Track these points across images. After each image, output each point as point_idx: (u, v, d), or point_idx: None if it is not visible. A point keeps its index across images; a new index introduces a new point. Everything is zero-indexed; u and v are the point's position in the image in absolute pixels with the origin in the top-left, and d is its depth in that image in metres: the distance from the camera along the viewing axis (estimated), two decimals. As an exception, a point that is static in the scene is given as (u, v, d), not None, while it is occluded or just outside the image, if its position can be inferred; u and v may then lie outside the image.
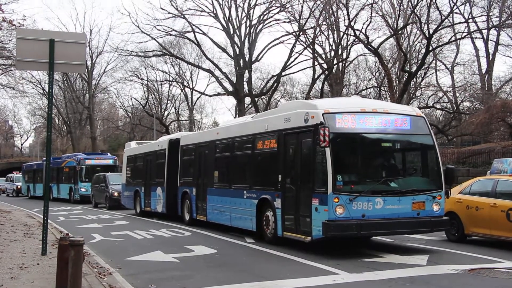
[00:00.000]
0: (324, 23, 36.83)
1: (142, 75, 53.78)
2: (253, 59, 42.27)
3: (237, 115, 44.88)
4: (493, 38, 40.52)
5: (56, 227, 16.88)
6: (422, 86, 44.97)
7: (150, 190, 21.11)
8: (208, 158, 16.47)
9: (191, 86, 58.06)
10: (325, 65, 39.42)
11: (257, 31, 41.51)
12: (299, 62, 40.70)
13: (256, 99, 43.93)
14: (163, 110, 64.32)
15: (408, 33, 42.59)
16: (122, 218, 20.91)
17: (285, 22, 39.08)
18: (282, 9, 37.90)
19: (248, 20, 41.14)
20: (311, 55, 38.22)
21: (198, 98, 62.97)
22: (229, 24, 41.11)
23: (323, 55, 42.14)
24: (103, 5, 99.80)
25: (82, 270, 6.93)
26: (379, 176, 11.20)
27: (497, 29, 36.67)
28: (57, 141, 77.16)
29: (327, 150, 10.29)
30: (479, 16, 35.45)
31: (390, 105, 13.69)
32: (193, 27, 41.56)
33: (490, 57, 42.01)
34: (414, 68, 36.76)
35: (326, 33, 40.59)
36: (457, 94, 43.49)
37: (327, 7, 34.13)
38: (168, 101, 64.26)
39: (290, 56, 38.83)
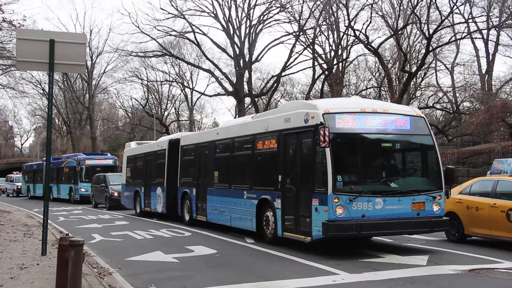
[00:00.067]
0: (324, 23, 36.86)
1: (142, 76, 53.87)
2: (253, 59, 42.28)
3: (237, 115, 44.88)
4: (493, 38, 40.59)
5: (56, 227, 16.88)
6: (422, 86, 45.00)
7: (150, 190, 21.11)
8: (208, 158, 16.47)
9: (191, 86, 58.12)
10: (325, 65, 39.42)
11: (257, 31, 41.53)
12: (299, 62, 40.77)
13: (256, 99, 43.94)
14: (163, 110, 64.35)
15: (408, 33, 42.61)
16: (122, 218, 20.92)
17: (285, 22, 39.16)
18: (282, 9, 37.93)
19: (248, 20, 41.17)
20: (311, 55, 38.23)
21: (198, 99, 63.10)
22: (229, 24, 41.11)
23: (323, 55, 42.15)
24: (103, 5, 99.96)
25: (82, 270, 6.93)
26: (379, 176, 11.20)
27: (497, 29, 36.67)
28: (57, 141, 77.18)
29: (327, 150, 10.29)
30: (479, 16, 35.51)
31: (390, 105, 13.70)
32: (193, 27, 41.61)
33: (490, 57, 42.03)
34: (414, 68, 36.76)
35: (326, 33, 40.64)
36: (457, 94, 43.51)
37: (327, 7, 34.13)
38: (168, 102, 64.34)
39: (290, 56, 38.87)
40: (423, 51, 35.03)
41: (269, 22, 40.84)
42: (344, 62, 41.79)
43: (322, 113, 10.75)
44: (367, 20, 31.83)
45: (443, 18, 30.40)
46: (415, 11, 30.72)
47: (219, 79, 44.48)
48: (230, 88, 43.23)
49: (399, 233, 11.94)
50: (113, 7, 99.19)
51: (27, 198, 42.05)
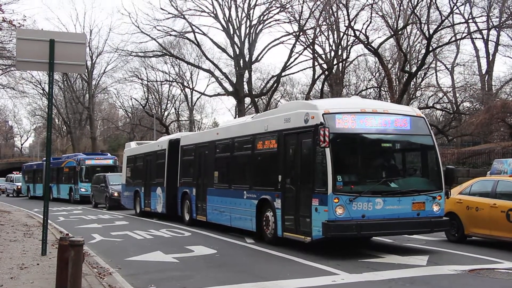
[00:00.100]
0: (324, 23, 36.85)
1: (142, 76, 53.87)
2: (253, 59, 42.27)
3: (237, 116, 44.88)
4: (493, 39, 40.60)
5: (56, 227, 16.88)
6: (422, 87, 45.02)
7: (150, 190, 21.11)
8: (208, 159, 16.47)
9: (191, 87, 58.12)
10: (325, 66, 39.42)
11: (257, 32, 41.53)
12: (299, 63, 40.77)
13: (256, 99, 43.94)
14: (163, 110, 64.35)
15: (408, 33, 42.62)
16: (122, 218, 20.92)
17: (285, 22, 39.14)
18: (282, 9, 37.92)
19: (248, 21, 41.16)
20: (311, 55, 38.23)
21: (198, 99, 63.10)
22: (229, 24, 41.11)
23: (323, 56, 42.14)
24: (103, 5, 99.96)
25: (82, 270, 6.93)
26: (379, 177, 11.20)
27: (497, 29, 36.68)
28: (57, 141, 77.18)
29: (327, 150, 10.29)
30: (479, 17, 35.50)
31: (390, 105, 13.70)
32: (193, 27, 41.60)
33: (490, 57, 42.04)
34: (414, 69, 36.76)
35: (326, 34, 40.62)
36: (457, 95, 43.52)
37: (327, 8, 34.13)
38: (168, 102, 64.34)
39: (290, 57, 38.87)
40: (423, 51, 35.05)
41: (269, 22, 40.89)
42: (344, 62, 41.79)
43: (322, 113, 10.75)
44: (367, 20, 31.89)
45: (443, 18, 30.41)
46: (415, 11, 30.73)
47: (219, 79, 44.50)
48: (230, 88, 43.24)
49: (399, 233, 11.94)
50: (113, 7, 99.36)
51: (27, 198, 42.05)
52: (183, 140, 19.04)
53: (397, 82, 41.21)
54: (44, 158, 29.60)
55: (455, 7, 31.63)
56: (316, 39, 38.49)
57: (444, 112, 45.77)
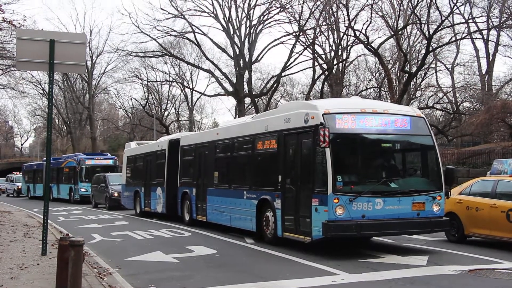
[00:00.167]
0: (324, 23, 36.83)
1: (142, 76, 53.86)
2: (253, 59, 42.27)
3: (237, 116, 44.87)
4: (493, 39, 40.60)
5: (56, 227, 16.88)
6: (422, 87, 45.02)
7: (150, 190, 21.11)
8: (208, 159, 16.47)
9: (191, 87, 58.13)
10: (325, 66, 39.41)
11: (257, 32, 41.53)
12: (299, 63, 40.76)
13: (256, 99, 43.93)
14: (163, 110, 64.36)
15: (408, 33, 42.62)
16: (122, 219, 20.92)
17: (285, 22, 39.12)
18: (282, 9, 37.91)
19: (248, 21, 41.15)
20: (311, 55, 38.22)
21: (198, 99, 63.10)
22: (229, 24, 41.11)
23: (323, 56, 42.13)
24: (103, 5, 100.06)
25: (82, 270, 6.93)
26: (379, 177, 11.20)
27: (497, 29, 36.68)
28: (57, 142, 77.17)
29: (327, 150, 10.29)
30: (479, 17, 35.49)
31: (390, 105, 13.70)
32: (193, 27, 41.60)
33: (490, 57, 42.04)
34: (414, 69, 36.76)
35: (326, 34, 40.60)
36: (457, 95, 43.52)
37: (327, 8, 34.13)
38: (168, 102, 64.34)
39: (290, 57, 38.86)
40: (423, 51, 35.05)
41: (269, 22, 40.88)
42: (344, 63, 41.78)
43: (322, 114, 10.75)
44: (367, 20, 31.87)
45: (443, 18, 30.41)
46: (415, 12, 30.73)
47: (219, 79, 44.50)
48: (230, 88, 43.24)
49: (399, 234, 11.94)
50: (113, 7, 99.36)
51: (27, 198, 42.06)
52: (183, 140, 19.04)
53: (397, 82, 41.21)
54: (44, 158, 29.61)
55: (455, 7, 31.65)
56: (316, 39, 38.51)
57: (444, 112, 45.79)
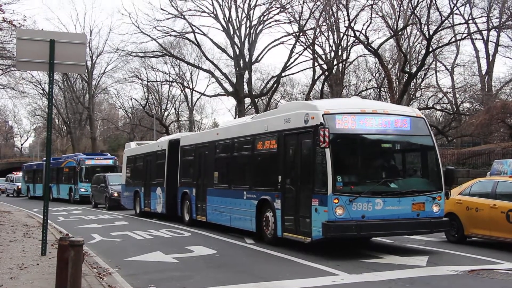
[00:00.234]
0: (324, 24, 36.83)
1: (142, 76, 53.86)
2: (253, 59, 42.27)
3: (237, 116, 44.88)
4: (493, 39, 40.62)
5: (56, 227, 16.88)
6: (422, 87, 45.03)
7: (150, 190, 21.11)
8: (208, 159, 16.47)
9: (191, 87, 58.12)
10: (325, 66, 39.41)
11: (257, 32, 41.52)
12: (299, 63, 40.79)
13: (256, 99, 43.92)
14: (163, 110, 64.36)
15: (408, 34, 42.61)
16: (122, 219, 20.92)
17: (285, 23, 39.10)
18: (282, 10, 37.89)
19: (248, 21, 41.14)
20: (311, 56, 38.22)
21: (198, 99, 63.11)
22: (229, 24, 41.10)
23: (323, 56, 42.14)
24: (103, 5, 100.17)
25: (82, 270, 6.93)
26: (379, 177, 11.19)
27: (497, 30, 36.70)
28: (57, 142, 77.16)
29: (327, 151, 10.29)
30: (479, 17, 35.51)
31: (390, 106, 13.71)
32: (193, 27, 41.59)
33: (490, 58, 42.07)
34: (414, 69, 36.76)
35: (326, 34, 40.61)
36: (457, 95, 43.52)
37: (327, 8, 34.13)
38: (168, 102, 64.35)
39: (290, 57, 38.86)
40: (423, 52, 35.06)
41: (269, 23, 40.86)
42: (344, 63, 41.79)
43: (322, 114, 10.75)
44: (367, 21, 31.88)
45: (443, 19, 30.41)
46: (415, 12, 30.73)
47: (219, 79, 44.50)
48: (230, 89, 43.24)
49: (399, 234, 11.94)
50: (113, 7, 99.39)
51: (27, 198, 42.05)
52: (183, 140, 19.04)
53: (397, 82, 41.24)
54: (44, 158, 29.58)
55: (455, 8, 31.70)
56: (316, 40, 38.53)
57: (444, 112, 45.80)
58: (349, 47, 38.87)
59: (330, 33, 40.67)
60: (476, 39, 39.99)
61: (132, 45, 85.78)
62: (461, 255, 11.04)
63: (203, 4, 46.07)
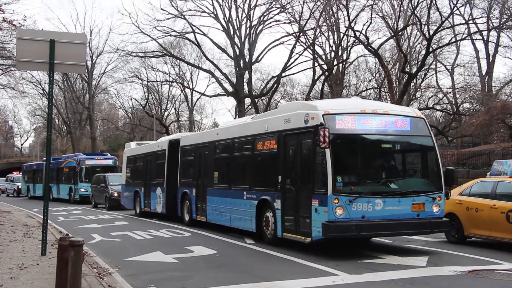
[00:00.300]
0: (324, 24, 36.84)
1: (142, 76, 53.86)
2: (253, 60, 42.26)
3: (237, 116, 44.88)
4: (493, 40, 40.62)
5: (56, 227, 16.88)
6: (422, 88, 45.04)
7: (150, 190, 21.11)
8: (208, 159, 16.47)
9: (191, 87, 58.14)
10: (325, 66, 39.42)
11: (257, 32, 41.52)
12: (299, 63, 40.76)
13: (256, 100, 43.92)
14: (163, 110, 64.37)
15: (408, 34, 42.63)
16: (122, 219, 20.92)
17: (285, 23, 39.07)
18: (282, 10, 37.89)
19: (248, 21, 41.14)
20: (311, 56, 38.22)
21: (198, 99, 63.13)
22: (229, 25, 41.10)
23: (323, 56, 42.15)
24: (103, 5, 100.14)
25: (82, 270, 6.93)
26: (379, 177, 11.19)
27: (497, 30, 36.71)
28: (57, 142, 77.18)
29: (327, 151, 10.29)
30: (479, 18, 35.50)
31: (390, 106, 13.70)
32: (193, 27, 41.58)
33: (490, 58, 42.07)
34: (414, 69, 36.78)
35: (326, 34, 40.63)
36: (457, 96, 43.53)
37: (327, 8, 34.13)
38: (168, 102, 64.36)
39: (290, 57, 38.84)
40: (423, 52, 35.07)
41: (269, 23, 40.85)
42: (344, 63, 41.80)
43: (322, 114, 10.75)
44: (367, 21, 31.88)
45: (443, 19, 30.42)
46: (416, 12, 30.75)
47: (219, 79, 44.50)
48: (230, 89, 43.24)
49: (399, 234, 11.94)
50: (113, 7, 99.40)
51: (27, 198, 42.06)
52: (183, 140, 19.04)
53: (397, 83, 41.25)
54: (44, 158, 29.60)
55: (455, 8, 31.71)
56: (316, 40, 38.55)
57: (444, 113, 45.80)
58: (349, 47, 38.91)
59: (330, 33, 40.71)
60: (476, 39, 40.05)
61: (132, 45, 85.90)
62: (461, 255, 11.04)
63: (203, 4, 46.14)
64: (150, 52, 45.06)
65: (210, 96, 52.11)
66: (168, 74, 54.81)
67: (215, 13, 40.68)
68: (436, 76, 46.92)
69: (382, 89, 42.41)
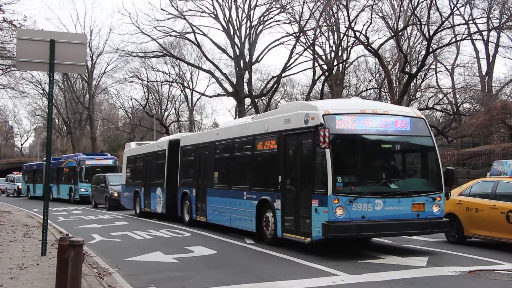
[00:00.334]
0: (324, 24, 36.85)
1: (142, 76, 53.86)
2: (253, 60, 42.27)
3: (237, 116, 44.87)
4: (493, 40, 40.65)
5: (56, 227, 16.88)
6: (422, 88, 45.05)
7: (150, 190, 21.11)
8: (208, 159, 16.47)
9: (191, 87, 58.14)
10: (325, 66, 39.44)
11: (257, 32, 41.52)
12: (299, 63, 40.77)
13: (256, 100, 43.93)
14: (163, 110, 64.37)
15: (409, 34, 42.64)
16: (122, 219, 20.92)
17: (285, 23, 39.09)
18: (282, 10, 37.91)
19: (248, 21, 41.14)
20: (311, 56, 38.24)
21: (198, 99, 63.14)
22: (229, 25, 41.11)
23: (323, 56, 42.15)
24: (104, 5, 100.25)
25: (82, 270, 6.93)
26: (379, 178, 11.18)
27: (497, 30, 36.71)
28: (57, 142, 77.19)
29: (327, 151, 10.29)
30: (479, 18, 35.52)
31: (390, 106, 13.70)
32: (194, 28, 41.59)
33: (490, 58, 42.08)
34: (414, 70, 36.79)
35: (326, 34, 40.64)
36: (457, 96, 43.54)
37: (327, 8, 34.14)
38: (168, 102, 64.37)
39: (290, 57, 38.84)
40: (423, 52, 35.08)
41: (270, 23, 40.85)
42: (344, 63, 41.81)
43: (322, 114, 10.75)
44: (368, 21, 31.90)
45: (443, 19, 30.43)
46: (416, 12, 30.76)
47: (219, 79, 44.50)
48: (230, 89, 43.25)
49: (399, 234, 11.94)
50: (114, 7, 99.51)
51: (27, 198, 42.06)
52: (183, 140, 19.04)
53: (397, 83, 41.25)
54: (44, 158, 29.60)
55: (456, 8, 31.73)
56: (316, 40, 38.55)
57: (444, 113, 45.81)
58: (349, 48, 38.91)
59: (330, 33, 40.71)
60: (476, 39, 40.07)
61: (132, 45, 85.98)
62: (461, 255, 11.04)
63: (203, 5, 46.03)
64: (150, 52, 45.08)
65: (210, 96, 52.17)
66: (168, 74, 54.91)
67: (215, 13, 40.71)
68: (436, 76, 47.02)
69: (382, 89, 42.42)
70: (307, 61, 39.71)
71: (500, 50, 42.31)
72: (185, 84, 56.73)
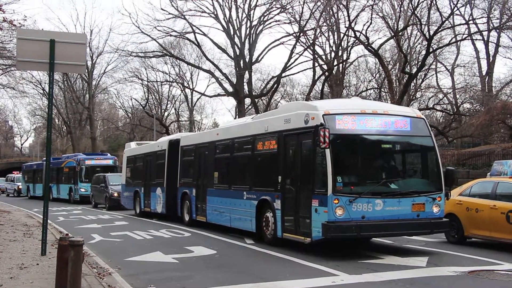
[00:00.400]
0: (325, 24, 36.85)
1: (142, 76, 53.89)
2: (253, 60, 42.27)
3: (237, 116, 44.88)
4: (493, 40, 40.66)
5: (56, 227, 16.88)
6: (422, 88, 45.06)
7: (150, 190, 21.11)
8: (208, 159, 16.47)
9: (191, 87, 58.16)
10: (325, 66, 39.45)
11: (257, 32, 41.53)
12: (299, 63, 40.79)
13: (256, 100, 43.94)
14: (163, 110, 64.38)
15: (409, 34, 42.64)
16: (122, 219, 20.91)
17: (285, 23, 39.11)
18: (282, 10, 37.91)
19: (248, 21, 41.16)
20: (311, 56, 38.25)
21: (198, 99, 63.16)
22: (230, 25, 41.11)
23: (323, 56, 42.15)
24: (104, 5, 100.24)
25: (82, 270, 6.93)
26: (379, 178, 11.18)
27: (497, 30, 36.72)
28: (57, 142, 77.19)
29: (327, 151, 10.29)
30: (479, 18, 35.52)
31: (390, 106, 13.69)
32: (194, 28, 41.60)
33: (491, 58, 42.08)
34: (414, 70, 36.79)
35: (326, 34, 40.64)
36: (457, 96, 43.55)
37: (328, 8, 34.14)
38: (168, 102, 64.39)
39: (290, 57, 38.85)
40: (424, 52, 35.09)
41: (270, 23, 40.86)
42: (344, 63, 41.81)
43: (322, 114, 10.75)
44: (368, 21, 31.92)
45: (443, 19, 30.44)
46: (416, 13, 30.77)
47: (219, 79, 44.51)
48: (230, 89, 43.25)
49: (399, 235, 11.93)
50: (114, 7, 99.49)
51: (26, 198, 42.06)
52: (183, 140, 19.04)
53: (397, 83, 41.26)
54: (44, 158, 29.58)
55: (456, 9, 31.74)
56: (317, 40, 38.54)
57: (444, 113, 45.82)
58: (349, 48, 38.92)
59: (330, 33, 40.72)
60: (476, 39, 40.09)
61: (132, 45, 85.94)
62: (461, 256, 11.04)
63: (203, 4, 46.07)
64: (150, 52, 45.09)
65: (210, 96, 52.18)
66: (168, 74, 54.93)
67: (215, 13, 40.71)
68: (436, 77, 47.03)
69: (382, 90, 42.42)
70: (307, 61, 39.76)
71: (500, 50, 42.41)
72: (185, 84, 56.79)
